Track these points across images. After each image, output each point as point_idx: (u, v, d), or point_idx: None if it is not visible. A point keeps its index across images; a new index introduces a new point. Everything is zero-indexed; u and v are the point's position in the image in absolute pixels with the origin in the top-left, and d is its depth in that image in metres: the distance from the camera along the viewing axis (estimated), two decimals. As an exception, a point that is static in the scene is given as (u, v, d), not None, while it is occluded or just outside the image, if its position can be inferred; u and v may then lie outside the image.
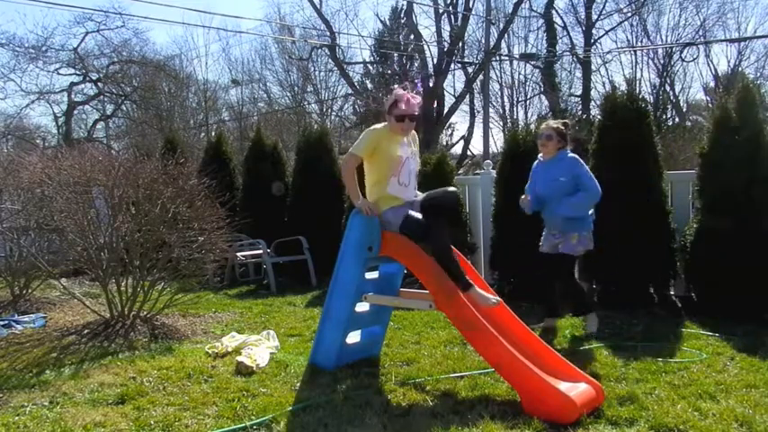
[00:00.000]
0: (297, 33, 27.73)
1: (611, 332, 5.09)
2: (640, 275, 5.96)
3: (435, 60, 24.68)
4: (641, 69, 26.04)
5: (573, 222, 4.92)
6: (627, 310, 5.73)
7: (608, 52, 26.45)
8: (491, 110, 24.44)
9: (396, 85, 4.07)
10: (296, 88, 28.50)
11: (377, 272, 4.43)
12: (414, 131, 4.14)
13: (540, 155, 5.13)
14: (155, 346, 4.90)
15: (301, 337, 5.23)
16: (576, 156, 5.00)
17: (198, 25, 39.57)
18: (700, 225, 5.71)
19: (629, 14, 25.76)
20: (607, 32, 26.69)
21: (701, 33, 25.29)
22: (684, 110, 26.86)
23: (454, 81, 27.85)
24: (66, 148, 7.85)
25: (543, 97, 26.58)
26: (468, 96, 25.57)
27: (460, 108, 25.82)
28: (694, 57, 24.85)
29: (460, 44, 24.73)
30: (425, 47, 24.62)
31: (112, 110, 28.89)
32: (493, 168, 7.59)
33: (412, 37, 24.84)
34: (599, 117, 6.67)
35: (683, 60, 25.29)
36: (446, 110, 24.84)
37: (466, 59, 25.20)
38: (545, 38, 26.04)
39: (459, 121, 40.84)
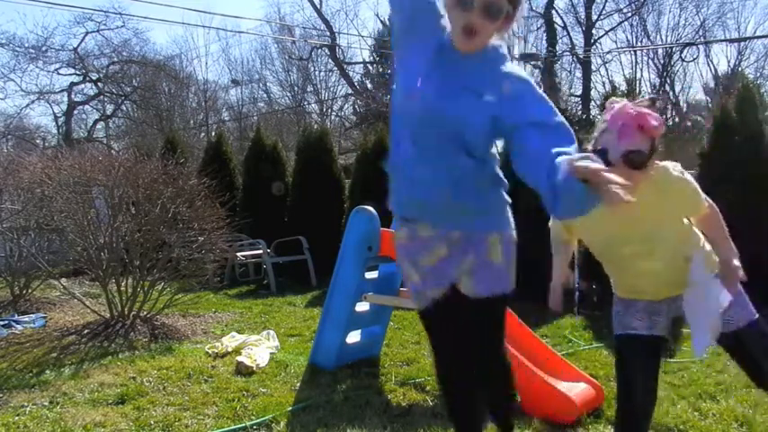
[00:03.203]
0: (297, 33, 27.75)
1: (611, 332, 5.08)
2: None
3: (435, 60, 24.66)
4: (641, 69, 26.06)
5: None
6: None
7: (608, 52, 26.46)
8: (491, 110, 24.41)
9: None
10: (296, 88, 28.50)
11: (377, 272, 4.43)
12: None
13: None
14: (155, 346, 4.90)
15: (301, 337, 5.23)
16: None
17: (198, 25, 39.32)
18: (700, 225, 5.71)
19: (629, 14, 25.75)
20: (607, 32, 26.69)
21: (700, 33, 25.28)
22: (684, 110, 26.86)
23: (454, 81, 27.80)
24: (66, 148, 7.86)
25: (543, 97, 26.56)
26: (468, 96, 25.53)
27: (460, 108, 25.80)
28: (694, 57, 24.84)
29: (460, 44, 24.70)
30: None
31: (112, 110, 28.85)
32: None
33: (412, 37, 24.80)
34: (599, 117, 6.66)
35: (683, 60, 25.29)
36: (446, 110, 24.83)
37: (466, 59, 25.16)
38: (545, 38, 26.05)
39: (459, 121, 40.86)
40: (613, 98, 2.14)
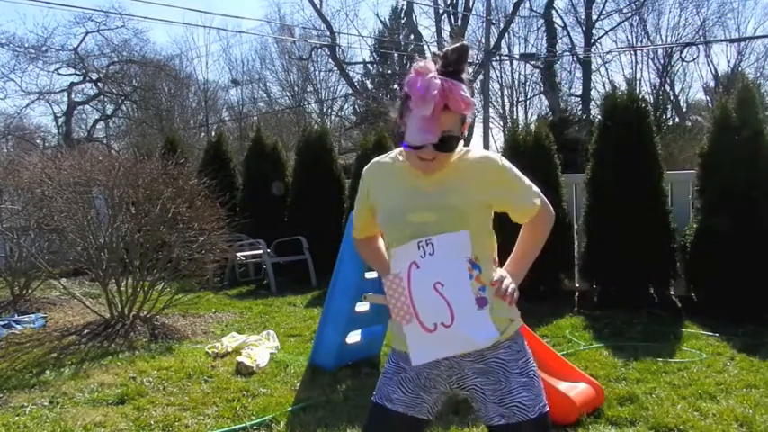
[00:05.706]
0: (297, 33, 27.79)
1: (611, 332, 5.09)
2: (640, 275, 5.96)
3: (435, 60, 24.67)
4: (641, 69, 26.08)
5: None
6: (627, 310, 5.73)
7: (608, 52, 26.47)
8: (491, 110, 24.46)
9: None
10: (296, 88, 28.52)
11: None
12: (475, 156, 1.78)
13: None
14: (155, 346, 4.90)
15: (301, 337, 5.23)
16: None
17: (198, 25, 39.53)
18: (700, 225, 5.71)
19: (629, 14, 25.77)
20: (607, 32, 26.72)
21: (700, 33, 25.30)
22: (684, 110, 26.86)
23: (454, 81, 27.78)
24: (66, 149, 7.86)
25: (543, 97, 26.59)
26: (468, 96, 25.53)
27: (460, 108, 25.80)
28: (694, 57, 24.86)
29: (460, 44, 24.71)
30: (425, 47, 24.64)
31: (112, 110, 28.89)
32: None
33: (412, 37, 24.84)
34: (599, 117, 6.67)
35: (683, 60, 25.30)
36: (446, 110, 24.83)
37: (466, 59, 25.17)
38: (545, 38, 26.05)
39: (459, 121, 40.88)
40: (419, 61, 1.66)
